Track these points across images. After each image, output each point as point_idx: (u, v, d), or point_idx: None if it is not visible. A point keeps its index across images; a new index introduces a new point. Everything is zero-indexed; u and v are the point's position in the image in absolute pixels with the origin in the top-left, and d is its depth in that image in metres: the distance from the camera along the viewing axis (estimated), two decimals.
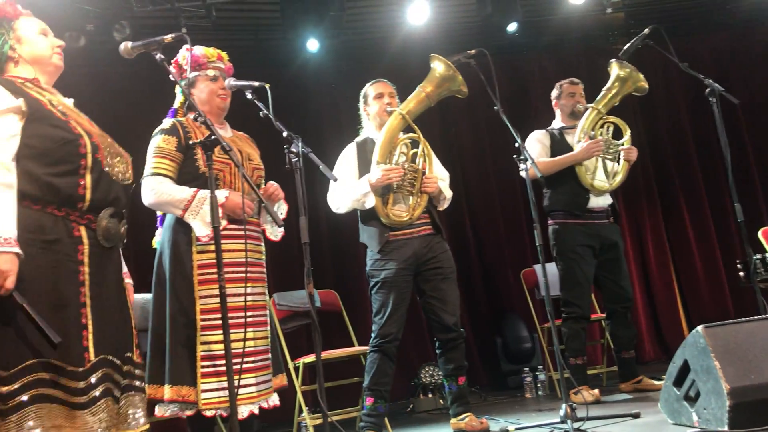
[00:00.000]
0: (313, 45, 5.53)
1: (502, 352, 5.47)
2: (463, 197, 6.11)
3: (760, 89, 6.38)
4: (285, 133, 2.57)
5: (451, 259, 3.61)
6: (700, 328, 2.64)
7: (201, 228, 2.62)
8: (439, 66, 3.59)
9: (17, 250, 1.84)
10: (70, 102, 2.22)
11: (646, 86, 4.29)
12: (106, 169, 2.08)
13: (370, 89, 3.72)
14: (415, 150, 3.55)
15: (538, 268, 4.77)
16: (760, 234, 4.69)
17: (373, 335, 3.49)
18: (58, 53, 2.22)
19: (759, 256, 4.42)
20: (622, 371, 4.27)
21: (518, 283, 5.22)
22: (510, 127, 3.43)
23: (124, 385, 2.06)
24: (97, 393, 1.93)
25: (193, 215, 2.63)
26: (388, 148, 3.48)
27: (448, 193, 3.67)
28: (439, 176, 3.65)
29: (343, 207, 3.55)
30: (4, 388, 1.81)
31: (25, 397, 1.82)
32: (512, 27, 5.75)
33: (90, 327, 1.96)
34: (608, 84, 4.29)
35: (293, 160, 2.51)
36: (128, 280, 2.30)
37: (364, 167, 3.54)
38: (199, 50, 2.89)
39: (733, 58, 6.51)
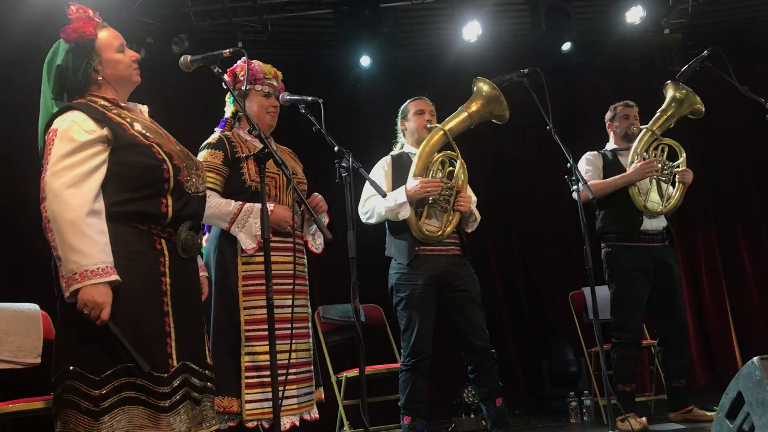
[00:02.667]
0: (365, 61, 5.58)
1: (548, 375, 5.38)
2: (512, 218, 6.07)
3: None
4: (336, 148, 2.60)
5: (477, 282, 3.57)
6: (756, 359, 2.55)
7: (247, 241, 2.67)
8: (484, 87, 3.58)
9: (112, 278, 1.93)
10: (145, 110, 2.30)
11: (703, 109, 4.21)
12: (186, 187, 2.15)
13: (410, 105, 3.73)
14: (451, 168, 3.54)
15: (586, 290, 4.68)
16: None
17: (404, 353, 3.47)
18: (136, 69, 2.27)
19: None
20: (671, 400, 4.14)
21: (566, 305, 5.14)
22: (563, 147, 3.40)
23: (201, 388, 2.13)
24: (178, 396, 2.02)
25: (239, 228, 2.68)
26: (426, 162, 3.48)
27: (478, 216, 3.65)
28: (471, 198, 3.63)
29: (375, 216, 3.53)
30: (96, 392, 1.92)
31: (115, 400, 1.92)
32: (566, 46, 5.70)
33: (173, 334, 2.05)
34: (663, 106, 4.21)
35: (343, 174, 2.53)
36: (204, 274, 2.38)
37: (398, 181, 3.54)
38: (258, 65, 2.95)
39: None
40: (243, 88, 2.86)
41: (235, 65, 2.95)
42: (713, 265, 6.10)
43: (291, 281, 2.66)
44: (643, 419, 3.91)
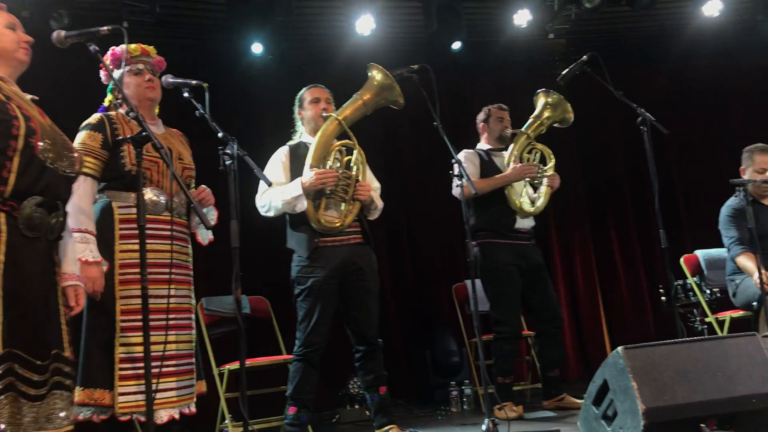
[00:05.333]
0: (257, 48, 5.49)
1: (431, 365, 5.50)
2: (401, 209, 6.15)
3: (690, 123, 6.64)
4: (221, 134, 2.54)
5: (377, 272, 3.61)
6: (620, 348, 2.71)
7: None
8: (377, 75, 3.60)
9: None
10: (28, 97, 2.16)
11: (572, 118, 4.43)
12: (42, 156, 2.01)
13: (306, 93, 3.70)
14: (349, 157, 3.54)
15: (469, 282, 4.82)
16: (682, 261, 4.88)
17: (297, 344, 3.45)
18: (25, 48, 2.16)
19: (680, 281, 4.59)
20: (546, 389, 4.34)
21: (450, 297, 5.27)
22: (448, 143, 3.47)
23: (52, 383, 1.99)
24: None
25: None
26: (322, 153, 3.46)
27: (380, 203, 3.68)
28: (372, 185, 3.65)
29: (273, 210, 3.49)
30: None
31: None
32: (456, 45, 5.83)
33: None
34: (536, 111, 4.41)
35: (227, 162, 2.48)
36: (72, 283, 2.19)
37: (296, 171, 3.50)
38: (121, 47, 2.84)
39: (668, 91, 6.75)
40: (113, 75, 2.73)
41: (113, 49, 2.83)
42: (587, 262, 6.44)
43: (169, 270, 2.58)
44: (519, 408, 4.09)
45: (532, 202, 4.31)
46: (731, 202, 4.27)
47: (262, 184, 3.49)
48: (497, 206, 4.23)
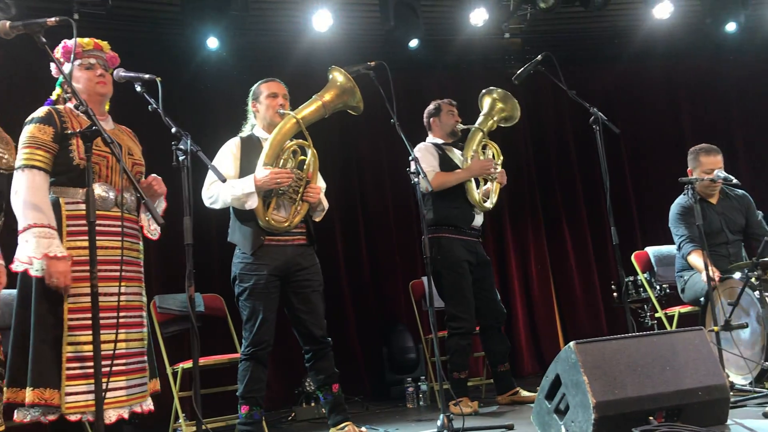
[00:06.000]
0: (213, 43, 5.41)
1: (388, 362, 5.52)
2: (358, 206, 6.14)
3: (641, 122, 6.79)
4: (174, 129, 2.50)
5: (320, 272, 3.60)
6: (571, 344, 2.76)
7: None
8: (339, 77, 3.58)
9: None
10: None
11: (518, 115, 4.47)
12: None
13: (263, 87, 3.65)
14: (303, 158, 3.51)
15: (426, 279, 4.84)
16: (633, 257, 4.98)
17: (245, 343, 3.42)
18: None
19: (631, 278, 4.71)
20: (498, 384, 4.39)
21: (407, 293, 5.29)
22: (405, 141, 3.48)
23: None
24: None
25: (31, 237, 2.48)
26: (276, 151, 3.43)
27: (326, 204, 3.67)
28: (320, 187, 3.63)
29: (220, 202, 3.44)
30: None
31: None
32: (414, 43, 5.84)
33: None
34: (486, 109, 4.46)
35: (181, 157, 2.44)
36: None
37: (246, 163, 3.47)
38: (72, 41, 2.77)
39: (620, 90, 6.89)
40: (64, 69, 2.67)
41: (65, 43, 2.77)
42: (541, 258, 6.53)
43: (119, 267, 2.53)
44: (474, 403, 4.13)
45: (485, 198, 4.35)
46: (680, 200, 4.38)
47: (210, 174, 3.41)
48: (458, 201, 4.26)
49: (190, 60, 5.58)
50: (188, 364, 3.88)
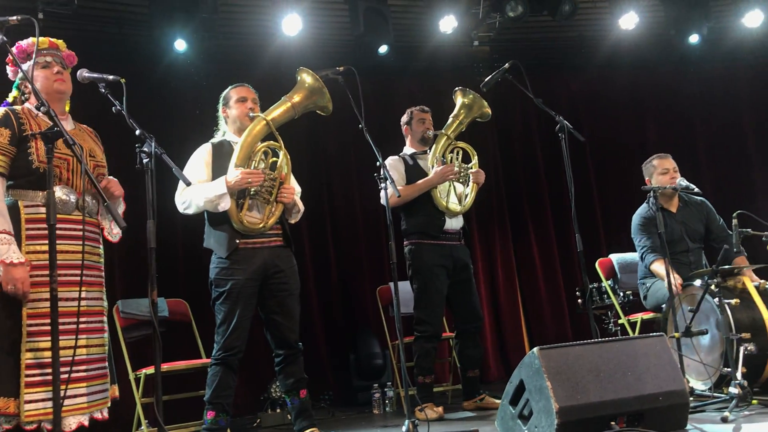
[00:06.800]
0: (181, 45, 5.36)
1: (355, 367, 5.50)
2: (327, 211, 6.13)
3: (607, 131, 6.89)
4: (138, 132, 2.47)
5: (297, 274, 3.58)
6: (536, 349, 2.78)
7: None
8: (307, 78, 3.58)
9: None
10: None
11: (489, 112, 4.52)
12: None
13: (232, 92, 3.63)
14: (274, 159, 3.50)
15: (393, 285, 4.85)
16: (597, 264, 5.05)
17: (216, 347, 3.38)
18: None
19: (595, 284, 4.77)
20: (466, 389, 4.41)
21: (374, 299, 5.29)
22: (373, 146, 3.48)
23: None
24: None
25: None
26: (247, 153, 3.41)
27: (301, 207, 3.66)
28: (295, 189, 3.63)
29: (193, 207, 3.40)
30: None
31: None
32: (383, 49, 5.85)
33: None
34: (455, 111, 4.48)
35: (144, 160, 2.41)
36: None
37: (218, 169, 3.44)
38: (27, 41, 2.73)
39: (586, 99, 6.99)
40: (21, 70, 2.62)
41: (18, 44, 2.72)
42: (508, 264, 6.58)
43: (80, 272, 2.49)
44: (440, 408, 4.13)
45: (460, 200, 4.37)
46: (641, 210, 4.46)
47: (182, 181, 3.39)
48: (425, 209, 4.28)
49: (157, 62, 5.52)
50: (151, 370, 3.82)
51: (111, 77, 2.58)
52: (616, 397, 2.73)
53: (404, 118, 4.55)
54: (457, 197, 4.39)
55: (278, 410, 4.79)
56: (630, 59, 6.80)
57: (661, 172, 4.39)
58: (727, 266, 3.77)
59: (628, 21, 6.08)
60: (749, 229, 3.82)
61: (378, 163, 3.52)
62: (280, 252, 3.50)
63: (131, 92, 2.58)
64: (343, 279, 6.11)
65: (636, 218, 4.46)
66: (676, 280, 3.90)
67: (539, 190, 6.78)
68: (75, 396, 2.49)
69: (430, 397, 4.20)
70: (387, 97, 6.35)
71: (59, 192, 2.60)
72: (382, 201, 3.58)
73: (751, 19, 6.23)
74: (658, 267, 4.19)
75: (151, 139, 2.45)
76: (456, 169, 4.30)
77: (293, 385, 3.49)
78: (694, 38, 6.33)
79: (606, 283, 4.86)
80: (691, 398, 3.36)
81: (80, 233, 2.55)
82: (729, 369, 3.43)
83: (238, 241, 3.37)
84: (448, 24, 5.84)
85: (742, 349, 3.44)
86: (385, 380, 5.23)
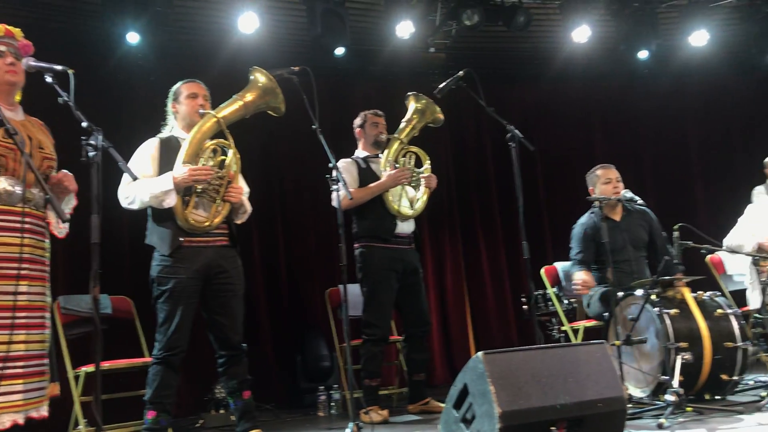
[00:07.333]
0: (133, 38, 5.26)
1: (301, 369, 5.48)
2: (278, 212, 6.09)
3: (556, 141, 7.02)
4: (85, 124, 2.42)
5: (242, 275, 3.55)
6: (480, 354, 2.81)
7: None
8: (261, 78, 3.55)
9: None
10: None
11: (442, 117, 4.58)
12: None
13: (183, 87, 3.58)
14: (223, 157, 3.46)
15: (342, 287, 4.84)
16: (542, 272, 5.13)
17: (157, 346, 3.33)
18: None
19: (540, 291, 4.85)
20: (411, 392, 4.44)
21: (323, 301, 5.28)
22: (326, 148, 3.49)
23: None
24: None
25: None
26: (196, 150, 3.36)
27: (249, 207, 3.62)
28: (243, 189, 3.59)
29: (138, 202, 3.34)
30: None
31: None
32: (340, 51, 5.85)
33: None
34: (407, 116, 4.52)
35: (90, 153, 2.36)
36: None
37: (165, 165, 3.38)
38: None
39: (538, 110, 7.11)
40: None
41: None
42: (457, 269, 6.65)
43: (17, 265, 2.42)
44: (385, 412, 4.15)
45: (411, 205, 4.40)
46: (583, 219, 4.56)
47: (126, 175, 3.32)
48: (377, 212, 4.29)
49: (109, 54, 5.41)
50: (91, 368, 3.73)
51: (59, 67, 2.53)
52: (557, 403, 2.77)
53: (358, 121, 4.56)
54: (408, 201, 4.41)
55: (222, 411, 4.74)
56: (582, 72, 6.95)
57: (604, 181, 4.49)
58: (667, 277, 3.88)
59: (581, 34, 6.21)
60: (690, 242, 3.94)
61: (330, 165, 3.52)
62: (225, 252, 3.46)
63: (80, 84, 2.53)
64: (293, 280, 6.08)
65: (576, 227, 4.56)
66: (583, 280, 4.17)
67: (489, 197, 6.88)
68: (10, 393, 2.42)
69: (375, 400, 4.21)
70: (342, 100, 6.35)
71: (4, 182, 2.53)
72: (334, 203, 3.58)
73: (697, 39, 6.43)
74: (579, 275, 4.30)
75: (99, 131, 2.40)
76: (408, 172, 4.32)
77: (237, 387, 3.45)
78: (643, 54, 6.50)
79: (551, 291, 4.95)
80: (630, 405, 3.45)
81: (17, 225, 2.48)
82: (666, 377, 3.54)
83: (182, 239, 3.32)
84: (405, 29, 5.87)
85: (679, 358, 3.55)
86: (331, 383, 5.22)
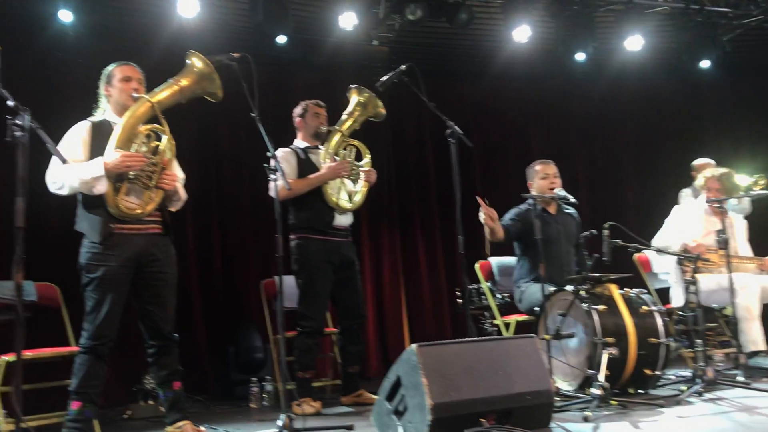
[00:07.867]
0: (65, 16, 5.08)
1: (234, 361, 5.41)
2: (214, 200, 5.99)
3: (495, 139, 7.13)
4: (11, 103, 2.32)
5: (175, 264, 3.49)
6: (414, 346, 2.85)
7: None
8: (197, 63, 3.48)
9: None
10: None
11: (384, 112, 4.60)
12: None
13: (116, 70, 3.48)
14: (157, 143, 3.37)
15: (278, 278, 4.80)
16: (477, 266, 5.21)
17: (85, 335, 3.24)
18: None
19: (474, 286, 4.92)
20: (345, 385, 4.45)
21: (259, 292, 5.22)
22: (264, 136, 3.44)
23: None
24: None
25: None
26: (129, 135, 3.27)
27: (184, 195, 3.55)
28: (177, 176, 3.52)
29: (67, 188, 3.24)
30: None
31: None
32: (282, 39, 5.79)
33: None
34: (349, 109, 4.52)
35: (17, 133, 2.27)
36: None
37: (97, 150, 3.28)
38: None
39: (478, 107, 7.20)
40: None
41: None
42: (394, 262, 6.68)
43: None
44: (317, 403, 4.15)
45: (350, 198, 4.39)
46: (522, 206, 4.66)
47: (55, 158, 3.21)
48: (315, 204, 4.27)
49: (40, 31, 5.20)
50: (12, 357, 3.60)
51: None
52: (487, 395, 2.83)
53: (298, 111, 4.52)
54: (347, 194, 4.40)
55: (151, 402, 4.65)
56: (521, 72, 7.06)
57: (542, 177, 4.64)
58: (596, 274, 3.99)
59: (522, 34, 6.30)
60: (619, 240, 4.06)
61: (269, 154, 3.48)
62: (158, 240, 3.39)
63: (8, 62, 2.43)
64: (228, 270, 6.00)
65: (514, 209, 4.68)
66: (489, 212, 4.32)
67: (428, 192, 6.93)
68: None
69: (308, 392, 4.20)
70: (283, 88, 6.27)
71: None
72: (271, 193, 3.55)
73: (632, 43, 6.61)
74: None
75: (26, 111, 2.32)
76: (348, 165, 4.32)
77: (167, 377, 3.39)
78: (580, 56, 6.64)
79: (485, 285, 5.02)
80: (557, 398, 3.54)
81: None
82: (593, 371, 3.64)
83: (112, 226, 3.23)
84: (347, 21, 5.85)
85: (605, 352, 3.66)
86: (264, 374, 5.17)
